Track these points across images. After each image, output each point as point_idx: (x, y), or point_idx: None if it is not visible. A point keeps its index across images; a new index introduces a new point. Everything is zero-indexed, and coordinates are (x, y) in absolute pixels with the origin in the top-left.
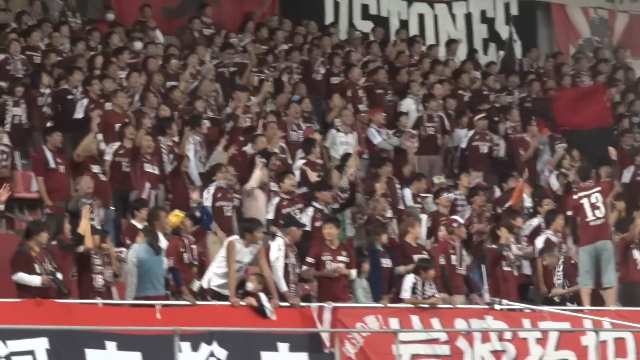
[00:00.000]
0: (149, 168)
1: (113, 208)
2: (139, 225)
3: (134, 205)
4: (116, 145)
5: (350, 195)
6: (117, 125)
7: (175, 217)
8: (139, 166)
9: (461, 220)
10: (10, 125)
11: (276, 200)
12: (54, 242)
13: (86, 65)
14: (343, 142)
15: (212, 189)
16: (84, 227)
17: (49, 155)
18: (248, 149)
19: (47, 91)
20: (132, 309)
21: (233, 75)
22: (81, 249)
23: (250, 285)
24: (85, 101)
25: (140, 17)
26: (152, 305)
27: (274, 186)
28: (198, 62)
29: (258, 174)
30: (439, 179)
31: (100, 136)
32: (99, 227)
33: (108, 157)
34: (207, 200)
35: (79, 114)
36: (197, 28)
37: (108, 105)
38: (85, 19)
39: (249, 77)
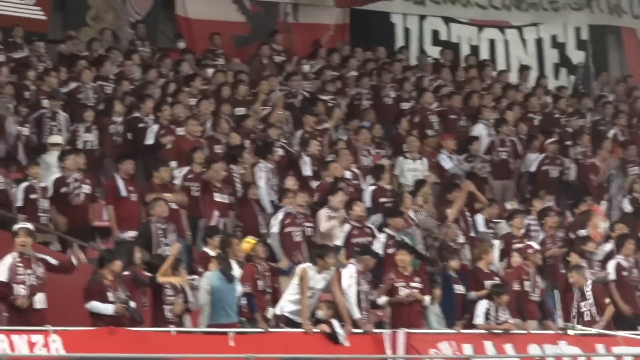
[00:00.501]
0: (218, 197)
1: (189, 233)
2: (212, 253)
3: (207, 233)
4: (185, 169)
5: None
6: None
7: (248, 243)
8: (208, 195)
9: (537, 247)
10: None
11: (347, 227)
12: (126, 273)
13: (158, 92)
14: (411, 168)
15: (280, 215)
16: (164, 269)
17: (120, 183)
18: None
19: (120, 119)
20: (206, 336)
21: (304, 103)
22: (158, 281)
23: (320, 313)
24: (155, 127)
25: (210, 45)
26: (226, 333)
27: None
28: (268, 89)
29: (329, 225)
30: (512, 205)
31: (174, 163)
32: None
33: (178, 182)
34: (274, 227)
35: (149, 139)
36: (267, 55)
37: (179, 130)
38: (155, 48)
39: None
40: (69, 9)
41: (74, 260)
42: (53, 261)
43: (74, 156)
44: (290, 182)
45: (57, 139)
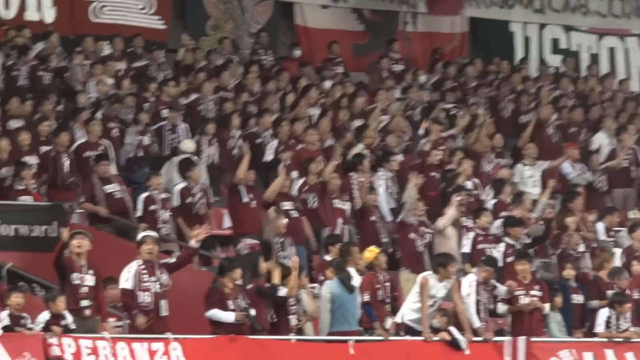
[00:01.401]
0: (338, 204)
1: (314, 239)
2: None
3: (327, 241)
4: (300, 181)
5: (545, 231)
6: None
7: (370, 252)
8: (328, 202)
9: None
10: (205, 165)
11: (472, 235)
12: (250, 286)
13: (277, 105)
14: (529, 175)
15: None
16: (292, 282)
17: (242, 189)
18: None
19: (238, 133)
20: (326, 344)
21: (423, 112)
22: (282, 292)
23: (435, 321)
24: (275, 143)
25: (328, 55)
26: (346, 341)
27: (466, 221)
28: (386, 100)
29: (453, 214)
30: (634, 214)
31: (295, 173)
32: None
33: (294, 194)
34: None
35: (268, 155)
36: (386, 66)
37: (299, 146)
38: (276, 57)
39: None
40: (189, 18)
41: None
42: (172, 259)
43: (199, 168)
44: (413, 193)
45: (189, 145)
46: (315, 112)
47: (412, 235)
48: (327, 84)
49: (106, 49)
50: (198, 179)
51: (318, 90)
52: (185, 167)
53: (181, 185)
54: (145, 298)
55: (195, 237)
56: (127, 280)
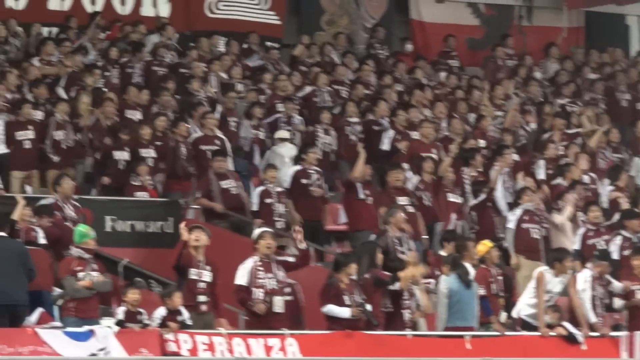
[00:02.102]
0: (452, 197)
1: (426, 237)
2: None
3: (443, 237)
4: (416, 179)
5: None
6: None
7: (483, 246)
8: (442, 197)
9: None
10: (321, 153)
11: (582, 230)
12: (367, 275)
13: (393, 97)
14: None
15: (518, 211)
16: (409, 273)
17: (358, 185)
18: (560, 180)
19: (355, 120)
20: (442, 339)
21: (538, 107)
22: (397, 286)
23: (547, 318)
24: (391, 132)
25: (444, 48)
26: (462, 336)
27: (582, 216)
28: (503, 94)
29: (570, 211)
30: None
31: (406, 166)
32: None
33: (410, 187)
34: (511, 223)
35: (385, 145)
36: (501, 55)
37: (415, 134)
38: (391, 51)
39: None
40: (304, 13)
41: (301, 245)
42: (290, 258)
43: (315, 150)
44: (529, 181)
45: (284, 134)
46: (430, 103)
47: (525, 225)
48: (443, 75)
49: (221, 45)
50: (313, 162)
51: (433, 82)
52: (302, 150)
53: (296, 167)
54: (259, 295)
55: (300, 240)
56: (242, 277)
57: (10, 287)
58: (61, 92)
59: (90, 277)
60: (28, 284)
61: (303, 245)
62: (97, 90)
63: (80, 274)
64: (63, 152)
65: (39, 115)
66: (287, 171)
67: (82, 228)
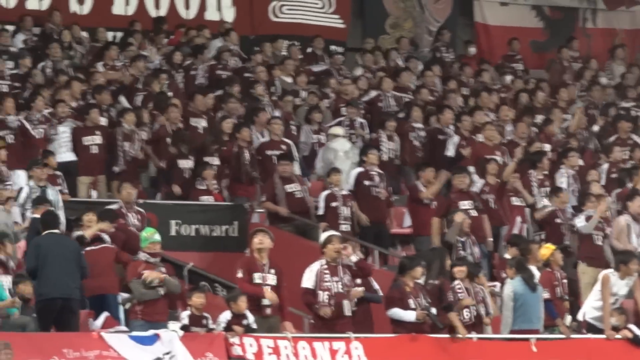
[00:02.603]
0: (516, 201)
1: (491, 239)
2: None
3: (508, 240)
4: (480, 183)
5: None
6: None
7: (547, 249)
8: (507, 200)
9: None
10: (387, 156)
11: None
12: (435, 282)
13: (459, 101)
14: None
15: (582, 217)
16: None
17: (422, 190)
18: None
19: (419, 125)
20: (507, 342)
21: (603, 111)
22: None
23: (613, 320)
24: (456, 138)
25: (508, 51)
26: (527, 339)
27: None
28: (568, 97)
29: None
30: None
31: (472, 169)
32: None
33: (476, 190)
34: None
35: (449, 151)
36: (566, 56)
37: (479, 137)
38: (456, 55)
39: None
40: (368, 17)
41: (354, 258)
42: (353, 257)
43: (374, 151)
44: (596, 187)
45: (337, 130)
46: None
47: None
48: (508, 78)
49: (285, 49)
50: (374, 162)
51: (498, 85)
52: (362, 151)
53: (359, 169)
54: (324, 298)
55: (349, 255)
56: (308, 280)
57: (64, 281)
58: (123, 101)
59: (160, 270)
60: (89, 286)
61: (355, 258)
62: (161, 95)
63: (146, 272)
64: (128, 162)
65: (103, 121)
66: (344, 167)
67: (145, 232)
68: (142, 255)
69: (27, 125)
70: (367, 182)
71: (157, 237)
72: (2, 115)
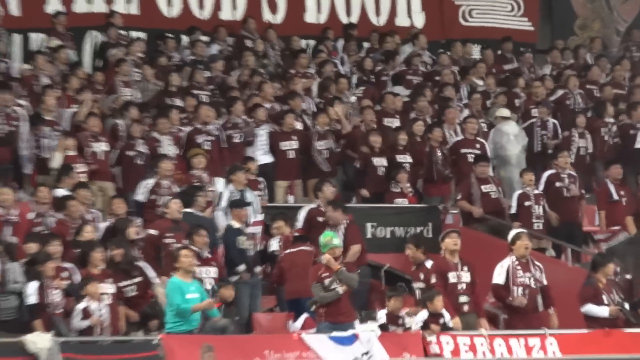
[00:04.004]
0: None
1: None
2: None
3: None
4: None
5: None
6: None
7: None
8: None
9: None
10: (575, 156)
11: None
12: (628, 276)
13: None
14: None
15: None
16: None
17: (611, 187)
18: None
19: (611, 120)
20: None
21: None
22: None
23: None
24: None
25: None
26: None
27: None
28: None
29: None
30: None
31: None
32: None
33: None
34: None
35: (638, 143)
36: None
37: None
38: None
39: None
40: (556, 18)
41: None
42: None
43: (564, 154)
44: None
45: (505, 112)
46: None
47: None
48: None
49: (475, 52)
50: (564, 165)
51: None
52: (553, 155)
53: (550, 171)
54: (519, 292)
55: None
56: (499, 275)
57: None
58: (310, 104)
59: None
60: (288, 289)
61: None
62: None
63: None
64: (325, 161)
65: (299, 125)
66: (514, 150)
67: (323, 238)
68: (323, 259)
69: (226, 133)
70: (557, 184)
71: (336, 241)
72: (201, 123)
